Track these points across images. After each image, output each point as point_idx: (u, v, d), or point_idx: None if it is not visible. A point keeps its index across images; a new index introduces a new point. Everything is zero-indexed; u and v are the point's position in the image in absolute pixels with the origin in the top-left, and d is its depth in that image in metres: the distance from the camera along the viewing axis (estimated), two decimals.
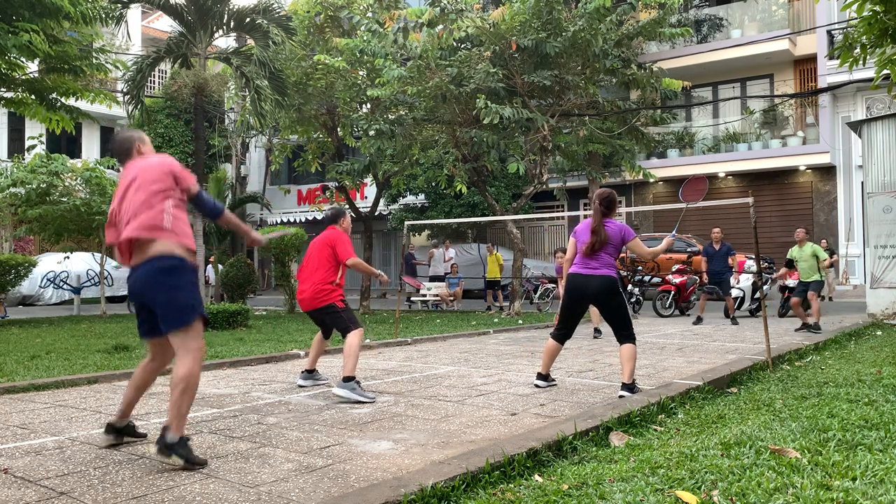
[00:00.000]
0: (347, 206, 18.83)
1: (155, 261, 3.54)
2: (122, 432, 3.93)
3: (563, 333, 5.69)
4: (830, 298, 17.54)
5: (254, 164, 31.30)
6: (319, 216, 26.34)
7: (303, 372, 6.12)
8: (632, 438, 3.91)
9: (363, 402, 5.18)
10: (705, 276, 12.54)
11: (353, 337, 5.51)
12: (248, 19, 16.51)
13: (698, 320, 12.03)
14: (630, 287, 14.34)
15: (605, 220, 5.47)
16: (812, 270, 10.32)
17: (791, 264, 10.74)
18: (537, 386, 5.74)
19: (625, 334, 5.39)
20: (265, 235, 4.76)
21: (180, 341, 3.53)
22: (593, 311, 10.35)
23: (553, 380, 5.85)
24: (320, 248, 5.81)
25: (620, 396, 5.09)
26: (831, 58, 16.39)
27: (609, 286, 5.37)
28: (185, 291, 3.57)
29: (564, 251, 6.70)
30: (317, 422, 4.51)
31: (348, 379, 5.30)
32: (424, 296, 17.99)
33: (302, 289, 5.81)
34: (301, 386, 5.98)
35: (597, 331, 10.33)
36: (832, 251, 17.98)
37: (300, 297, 5.84)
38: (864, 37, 7.04)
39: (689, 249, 18.55)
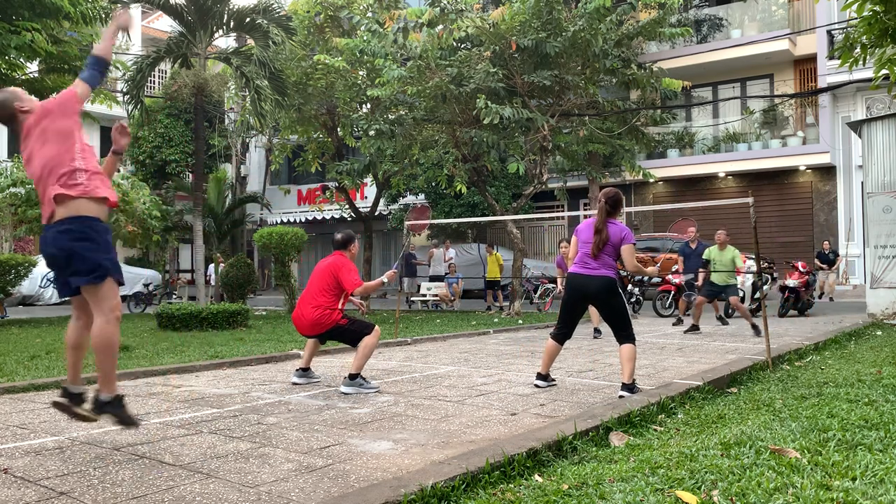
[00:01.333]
0: (348, 207, 18.85)
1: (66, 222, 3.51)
2: (74, 398, 3.70)
3: (562, 333, 5.66)
4: (831, 299, 17.52)
5: (254, 164, 31.29)
6: (319, 216, 26.39)
7: (297, 370, 6.16)
8: (632, 438, 3.91)
9: (369, 392, 5.50)
10: (682, 278, 12.46)
11: (370, 338, 5.71)
12: (248, 19, 16.52)
13: (693, 328, 10.66)
14: (630, 287, 14.34)
15: (610, 219, 5.44)
16: (730, 275, 10.20)
17: (706, 265, 10.59)
18: (537, 386, 5.74)
19: (624, 334, 5.38)
20: None
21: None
22: (593, 310, 10.36)
23: (553, 380, 5.84)
24: (324, 275, 5.83)
25: (620, 396, 5.09)
26: (831, 58, 16.39)
27: (608, 286, 5.36)
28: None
29: (569, 241, 6.74)
30: (317, 422, 4.51)
31: (354, 376, 5.54)
32: (424, 295, 17.99)
33: (300, 313, 5.84)
34: (295, 383, 6.03)
35: (596, 331, 10.31)
36: (835, 252, 17.97)
37: (298, 322, 5.88)
38: (864, 37, 7.04)
39: None
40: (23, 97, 3.70)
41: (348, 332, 5.76)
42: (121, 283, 3.66)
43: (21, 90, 3.78)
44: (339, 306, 5.85)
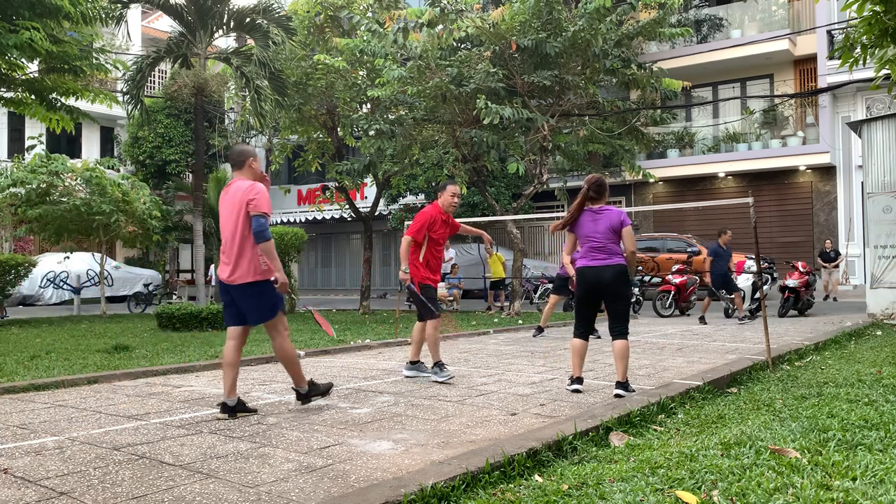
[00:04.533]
0: (348, 207, 18.84)
1: None
2: (234, 409, 4.72)
3: (585, 331, 5.48)
4: (835, 298, 17.50)
5: None
6: (319, 216, 26.35)
7: (407, 363, 6.46)
8: (632, 438, 3.91)
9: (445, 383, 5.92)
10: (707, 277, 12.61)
11: (429, 327, 6.11)
12: (248, 19, 16.53)
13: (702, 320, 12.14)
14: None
15: (601, 206, 5.36)
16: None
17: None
18: (577, 391, 5.38)
19: (620, 329, 5.30)
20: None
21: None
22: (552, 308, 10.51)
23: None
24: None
25: (617, 395, 5.08)
26: (831, 58, 16.38)
27: (623, 273, 5.28)
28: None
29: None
30: (317, 422, 4.51)
31: (436, 364, 6.08)
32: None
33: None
34: (407, 377, 6.35)
35: (594, 331, 10.39)
36: (837, 251, 17.96)
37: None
38: (865, 37, 7.03)
39: (689, 249, 18.55)
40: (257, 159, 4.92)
41: (417, 303, 6.22)
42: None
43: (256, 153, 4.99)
44: (420, 257, 6.20)
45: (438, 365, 6.09)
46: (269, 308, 4.76)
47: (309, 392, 4.95)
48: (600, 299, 5.43)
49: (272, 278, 4.71)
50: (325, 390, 5.01)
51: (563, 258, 10.64)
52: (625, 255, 5.33)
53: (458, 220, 6.77)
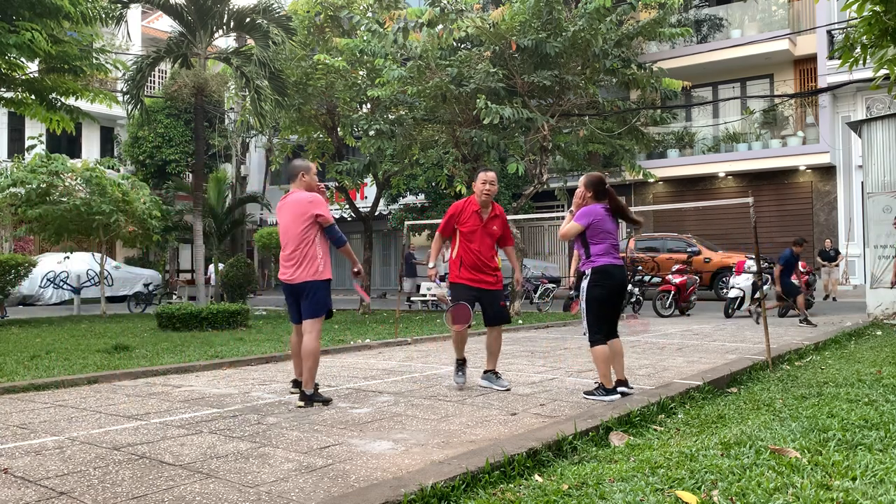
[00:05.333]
0: (348, 207, 18.84)
1: None
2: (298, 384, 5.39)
3: (606, 333, 5.12)
4: (834, 298, 17.51)
5: (254, 164, 31.29)
6: None
7: (484, 372, 5.81)
8: (632, 438, 3.91)
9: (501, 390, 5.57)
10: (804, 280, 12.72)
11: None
12: (248, 19, 16.53)
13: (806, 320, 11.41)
14: (630, 287, 14.34)
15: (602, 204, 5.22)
16: None
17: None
18: (624, 394, 5.05)
19: (616, 327, 5.26)
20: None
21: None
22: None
23: (630, 386, 5.23)
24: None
25: (622, 394, 5.05)
26: (831, 58, 16.38)
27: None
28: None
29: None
30: (317, 422, 4.51)
31: (486, 372, 5.78)
32: (424, 295, 17.99)
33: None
34: (482, 387, 5.73)
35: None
36: (837, 251, 17.96)
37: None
38: (865, 37, 7.03)
39: (689, 249, 18.55)
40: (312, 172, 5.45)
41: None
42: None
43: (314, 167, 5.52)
44: (454, 253, 5.73)
45: (457, 362, 5.81)
46: (321, 306, 5.22)
47: (313, 396, 5.12)
48: (622, 300, 5.29)
49: (326, 278, 5.28)
50: (326, 400, 5.15)
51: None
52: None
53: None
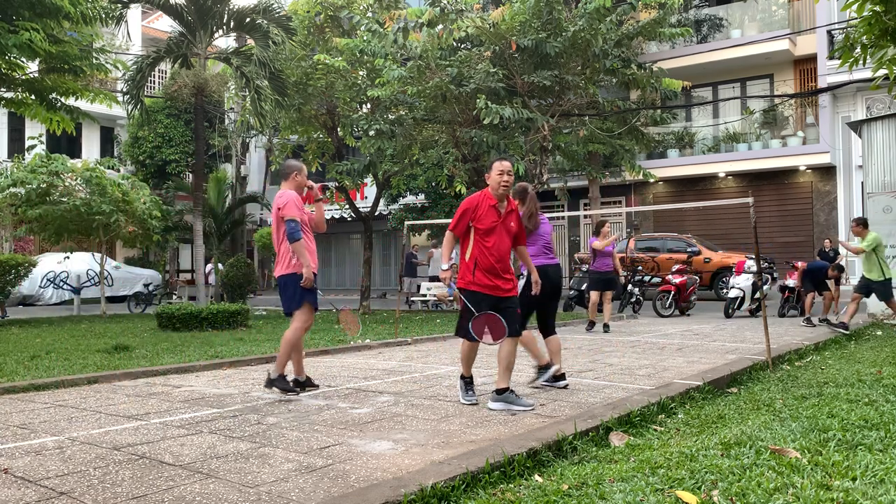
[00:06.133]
0: (348, 207, 18.84)
1: None
2: (304, 385, 5.59)
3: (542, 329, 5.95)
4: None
5: (254, 164, 31.29)
6: None
7: (499, 392, 4.90)
8: (632, 438, 3.91)
9: (525, 411, 4.73)
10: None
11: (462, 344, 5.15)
12: (248, 19, 16.53)
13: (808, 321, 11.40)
14: (630, 287, 14.34)
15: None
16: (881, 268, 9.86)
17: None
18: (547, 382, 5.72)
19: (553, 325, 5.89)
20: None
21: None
22: (607, 306, 10.82)
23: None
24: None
25: (565, 386, 5.58)
26: (831, 58, 16.38)
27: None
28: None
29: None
30: (317, 422, 4.51)
31: (501, 391, 4.84)
32: (424, 295, 17.99)
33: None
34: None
35: (596, 325, 10.96)
36: (836, 252, 17.93)
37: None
38: (864, 37, 7.03)
39: (689, 249, 18.55)
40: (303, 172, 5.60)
41: (461, 310, 5.02)
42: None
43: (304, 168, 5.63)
44: (468, 255, 4.97)
45: (464, 380, 5.16)
46: (295, 299, 5.36)
47: (275, 382, 5.40)
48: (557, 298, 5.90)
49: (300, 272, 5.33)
50: (288, 389, 5.40)
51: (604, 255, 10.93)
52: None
53: (451, 220, 5.19)
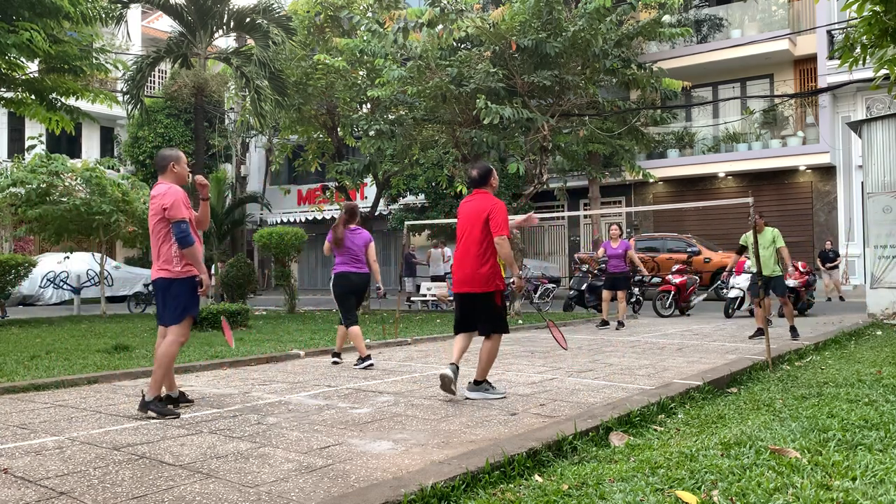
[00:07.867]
0: None
1: None
2: (177, 401, 5.02)
3: (350, 319, 7.17)
4: (841, 298, 17.46)
5: (254, 164, 31.28)
6: (319, 216, 26.36)
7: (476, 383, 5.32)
8: (632, 438, 3.91)
9: (497, 399, 5.16)
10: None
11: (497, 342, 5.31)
12: (248, 19, 16.54)
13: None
14: (630, 287, 14.33)
15: (355, 227, 7.29)
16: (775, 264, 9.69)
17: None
18: (337, 363, 7.25)
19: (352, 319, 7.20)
20: None
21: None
22: (605, 304, 11.05)
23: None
24: (473, 220, 5.25)
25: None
26: (831, 58, 16.39)
27: (369, 280, 7.56)
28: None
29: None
30: (317, 422, 4.51)
31: (479, 382, 5.29)
32: (424, 295, 17.98)
33: (457, 270, 5.30)
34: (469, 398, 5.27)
35: (605, 322, 11.46)
36: (836, 252, 17.94)
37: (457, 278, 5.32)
38: (864, 37, 7.03)
39: (689, 249, 18.54)
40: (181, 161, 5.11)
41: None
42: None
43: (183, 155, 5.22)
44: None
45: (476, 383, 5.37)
46: (177, 309, 4.98)
47: (150, 404, 4.67)
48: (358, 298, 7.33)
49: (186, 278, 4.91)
50: (166, 413, 4.65)
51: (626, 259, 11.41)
52: (372, 263, 7.42)
53: (450, 219, 6.07)
